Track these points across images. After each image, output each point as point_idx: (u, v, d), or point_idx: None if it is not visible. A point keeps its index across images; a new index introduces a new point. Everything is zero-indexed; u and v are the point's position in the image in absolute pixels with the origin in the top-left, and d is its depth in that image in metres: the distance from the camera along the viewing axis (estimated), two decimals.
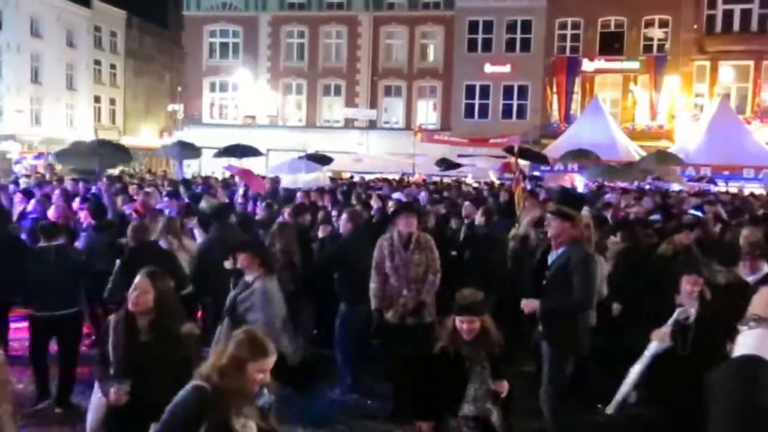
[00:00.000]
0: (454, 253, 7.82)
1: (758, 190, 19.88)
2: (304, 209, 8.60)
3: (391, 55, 34.20)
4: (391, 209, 7.90)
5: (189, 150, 17.01)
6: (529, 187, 15.63)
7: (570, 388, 5.32)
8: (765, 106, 29.45)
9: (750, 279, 5.14)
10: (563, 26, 31.77)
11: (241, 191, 12.30)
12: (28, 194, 10.60)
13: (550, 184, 18.90)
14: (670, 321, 4.74)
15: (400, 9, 33.64)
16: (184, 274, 6.40)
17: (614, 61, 30.99)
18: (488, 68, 32.10)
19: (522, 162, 14.53)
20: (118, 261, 6.47)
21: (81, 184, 12.21)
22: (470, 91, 32.80)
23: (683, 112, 29.98)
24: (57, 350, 6.21)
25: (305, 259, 6.81)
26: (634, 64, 30.74)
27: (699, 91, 30.12)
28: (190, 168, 26.94)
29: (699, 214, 10.54)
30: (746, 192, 18.94)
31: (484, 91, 32.64)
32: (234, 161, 16.61)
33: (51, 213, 8.19)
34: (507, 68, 31.91)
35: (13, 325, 7.16)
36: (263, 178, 14.55)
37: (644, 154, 22.53)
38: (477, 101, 32.84)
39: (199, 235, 7.93)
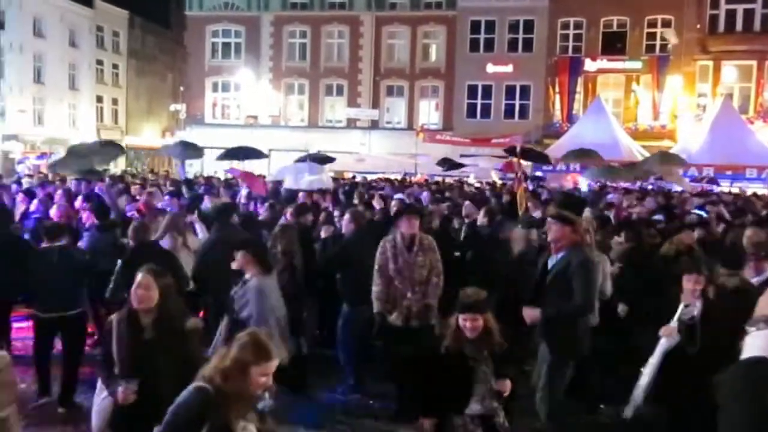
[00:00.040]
0: (457, 253, 7.81)
1: (761, 190, 19.85)
2: (306, 209, 8.59)
3: (394, 55, 34.17)
4: (393, 210, 7.88)
5: (191, 150, 17.00)
6: (531, 187, 15.64)
7: (570, 388, 5.30)
8: None
9: (755, 280, 5.12)
10: (566, 26, 31.75)
11: (244, 192, 12.30)
12: (30, 194, 10.61)
13: (552, 185, 18.91)
14: (675, 319, 4.74)
15: (402, 9, 33.61)
16: (184, 274, 6.39)
17: (617, 60, 30.96)
18: (490, 68, 32.05)
19: (524, 162, 14.53)
20: (119, 261, 6.47)
21: (83, 184, 12.22)
22: (472, 91, 32.77)
23: (686, 112, 29.93)
24: (61, 350, 6.22)
25: (307, 260, 6.78)
26: (637, 64, 30.71)
27: (702, 91, 30.05)
28: (193, 168, 27.01)
29: (702, 213, 10.53)
30: (749, 192, 18.92)
31: (487, 91, 32.60)
32: (236, 164, 16.61)
33: (53, 212, 8.20)
34: (509, 68, 31.86)
35: (15, 325, 7.17)
36: (264, 178, 14.53)
37: (647, 154, 22.52)
38: (479, 101, 32.81)
39: (200, 230, 7.93)
